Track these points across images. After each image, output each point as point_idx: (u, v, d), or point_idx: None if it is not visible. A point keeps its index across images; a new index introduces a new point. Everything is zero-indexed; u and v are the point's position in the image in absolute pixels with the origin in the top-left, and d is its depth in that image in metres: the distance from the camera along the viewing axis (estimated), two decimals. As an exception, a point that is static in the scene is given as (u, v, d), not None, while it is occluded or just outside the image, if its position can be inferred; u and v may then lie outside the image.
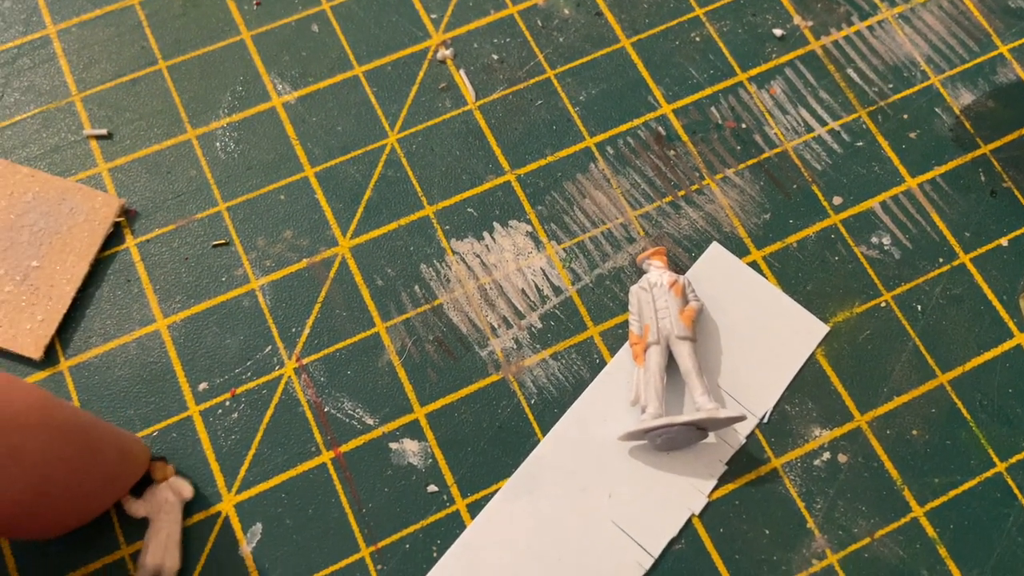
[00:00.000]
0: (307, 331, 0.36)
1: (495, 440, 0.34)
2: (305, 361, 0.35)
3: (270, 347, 0.35)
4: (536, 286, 0.37)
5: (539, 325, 0.36)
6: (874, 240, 0.38)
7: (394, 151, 0.39)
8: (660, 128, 0.39)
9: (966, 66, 0.41)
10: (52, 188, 0.36)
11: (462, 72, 0.40)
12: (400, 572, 0.32)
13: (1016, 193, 0.39)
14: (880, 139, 0.40)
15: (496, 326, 0.36)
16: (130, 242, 0.37)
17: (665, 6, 0.42)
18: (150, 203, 0.37)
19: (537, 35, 0.41)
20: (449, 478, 0.34)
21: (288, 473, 0.34)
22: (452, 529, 0.33)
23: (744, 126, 0.40)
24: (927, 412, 0.35)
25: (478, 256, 0.37)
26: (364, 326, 0.36)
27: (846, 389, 0.35)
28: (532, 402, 0.35)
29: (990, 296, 0.37)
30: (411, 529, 0.33)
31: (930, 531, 0.33)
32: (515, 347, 0.36)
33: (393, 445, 0.34)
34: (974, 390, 0.35)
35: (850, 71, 0.41)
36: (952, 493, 0.34)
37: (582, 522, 0.33)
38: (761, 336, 0.36)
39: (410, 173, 0.38)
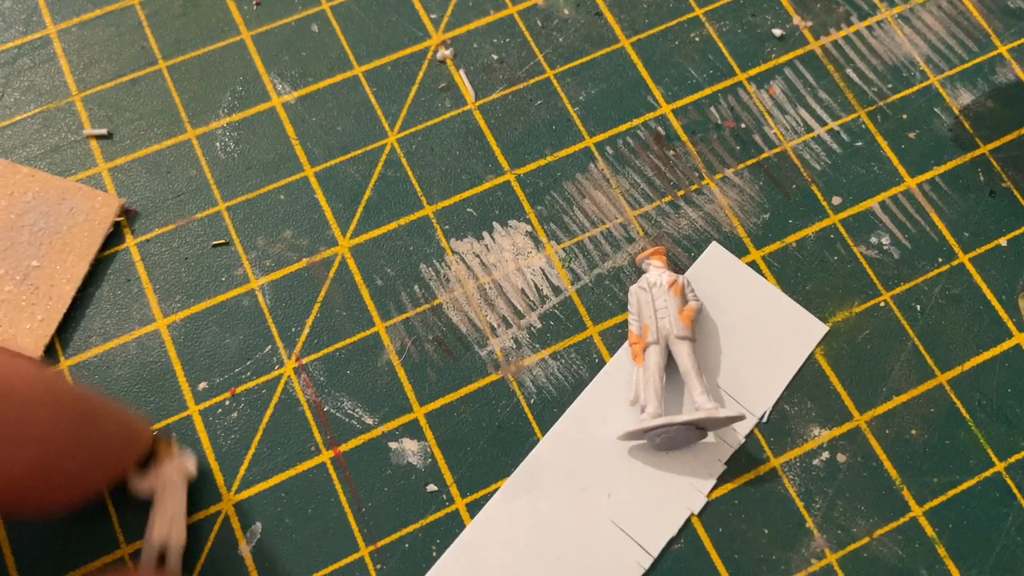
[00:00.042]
0: (307, 331, 0.36)
1: (494, 440, 0.34)
2: (305, 361, 0.35)
3: (270, 347, 0.35)
4: (535, 286, 0.37)
5: (538, 325, 0.36)
6: (873, 240, 0.38)
7: (394, 151, 0.39)
8: (659, 128, 0.39)
9: (965, 66, 0.41)
10: (52, 188, 0.37)
11: (462, 72, 0.40)
12: (399, 571, 0.32)
13: (1015, 193, 0.39)
14: (879, 139, 0.40)
15: (495, 326, 0.36)
16: (130, 242, 0.37)
17: (665, 6, 0.42)
18: (150, 203, 0.37)
19: (537, 35, 0.41)
20: (448, 478, 0.34)
21: (288, 472, 0.34)
22: (451, 529, 0.33)
23: (743, 126, 0.40)
24: (926, 412, 0.35)
25: (477, 256, 0.37)
26: (364, 326, 0.36)
27: (845, 389, 0.35)
28: (531, 402, 0.35)
29: (989, 296, 0.37)
30: (410, 528, 0.33)
31: (929, 531, 0.33)
32: (514, 347, 0.36)
33: (392, 445, 0.34)
34: (973, 390, 0.36)
35: (849, 71, 0.41)
36: (951, 493, 0.34)
37: (581, 522, 0.33)
38: (760, 336, 0.36)
39: (410, 173, 0.38)
